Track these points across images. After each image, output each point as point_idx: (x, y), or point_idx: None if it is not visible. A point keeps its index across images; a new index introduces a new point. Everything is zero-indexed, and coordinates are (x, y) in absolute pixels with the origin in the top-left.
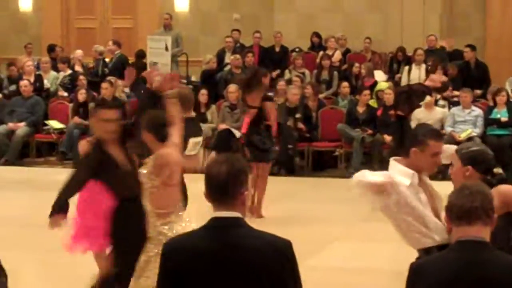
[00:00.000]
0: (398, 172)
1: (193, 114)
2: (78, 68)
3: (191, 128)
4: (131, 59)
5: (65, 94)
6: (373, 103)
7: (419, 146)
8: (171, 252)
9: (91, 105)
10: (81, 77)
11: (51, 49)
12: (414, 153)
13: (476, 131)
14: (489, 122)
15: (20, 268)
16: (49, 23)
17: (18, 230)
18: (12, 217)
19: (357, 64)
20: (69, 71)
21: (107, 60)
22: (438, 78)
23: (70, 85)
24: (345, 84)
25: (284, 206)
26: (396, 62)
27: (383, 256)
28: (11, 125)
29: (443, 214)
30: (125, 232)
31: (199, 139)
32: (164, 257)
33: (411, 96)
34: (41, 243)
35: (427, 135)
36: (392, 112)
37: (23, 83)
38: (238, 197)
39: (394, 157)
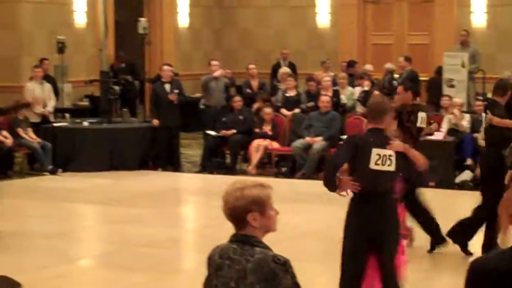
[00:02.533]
0: None
1: None
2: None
3: None
4: (424, 75)
5: (361, 109)
6: None
7: None
8: (475, 274)
9: None
10: (376, 92)
11: (350, 64)
12: None
13: None
14: None
15: (317, 280)
16: (346, 39)
17: (315, 243)
18: (310, 230)
19: None
20: (365, 87)
21: (396, 76)
22: None
23: (364, 100)
24: None
25: None
26: None
27: None
28: (308, 139)
29: None
30: None
31: None
32: (468, 280)
33: None
34: (336, 256)
35: None
36: None
37: (324, 98)
38: None
39: None
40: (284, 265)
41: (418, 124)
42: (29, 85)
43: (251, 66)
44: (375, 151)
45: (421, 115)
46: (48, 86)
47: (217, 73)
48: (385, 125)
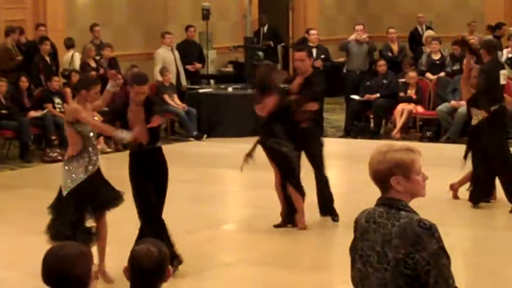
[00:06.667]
0: None
1: None
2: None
3: None
4: None
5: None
6: None
7: None
8: None
9: None
10: None
11: (497, 26)
12: None
13: None
14: None
15: (459, 245)
16: (492, 0)
17: (461, 207)
18: None
19: None
20: None
21: None
22: None
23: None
24: None
25: None
26: None
27: None
28: (453, 103)
29: None
30: None
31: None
32: None
33: None
34: (480, 221)
35: None
36: None
37: None
38: None
39: None
40: (430, 230)
41: None
42: (160, 51)
43: (391, 30)
44: None
45: None
46: (177, 54)
47: (352, 36)
48: None
